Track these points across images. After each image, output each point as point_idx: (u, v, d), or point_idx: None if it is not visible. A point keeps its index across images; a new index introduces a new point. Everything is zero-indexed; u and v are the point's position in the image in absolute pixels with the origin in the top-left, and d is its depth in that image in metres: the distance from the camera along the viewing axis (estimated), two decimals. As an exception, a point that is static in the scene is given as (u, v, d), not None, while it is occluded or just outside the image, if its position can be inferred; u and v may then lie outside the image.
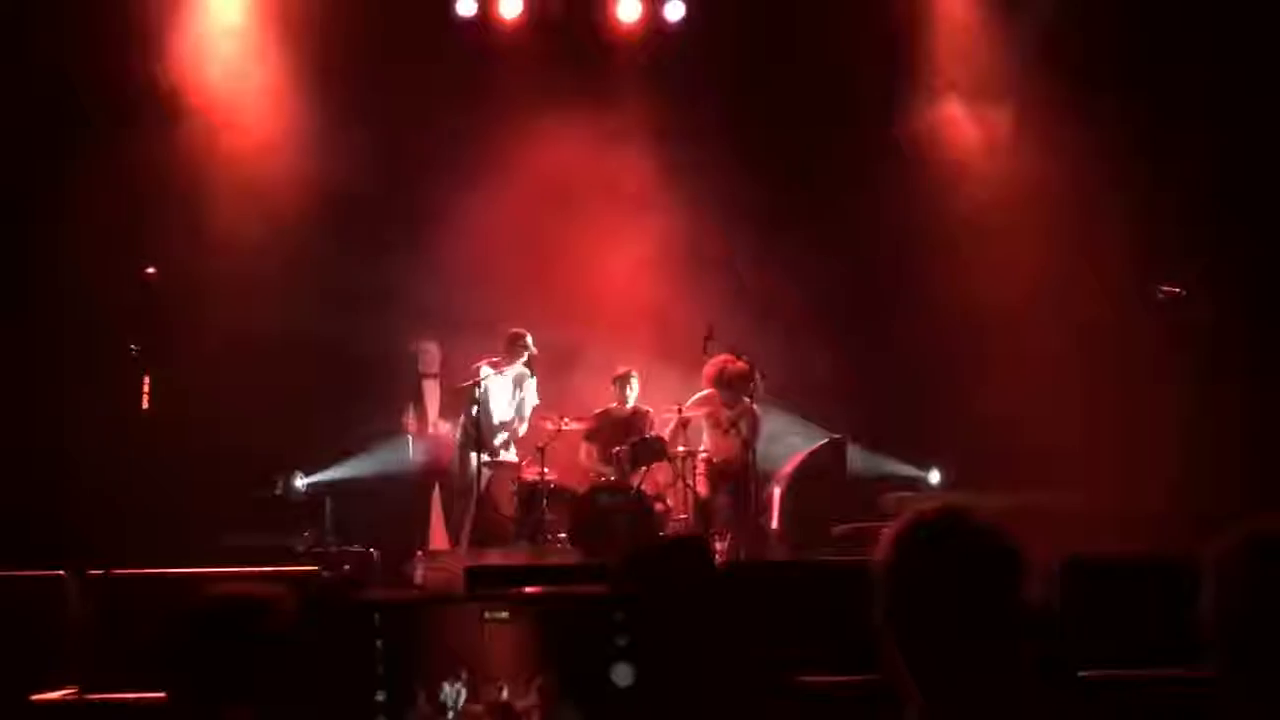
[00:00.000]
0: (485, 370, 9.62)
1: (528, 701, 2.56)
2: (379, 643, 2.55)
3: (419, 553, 9.37)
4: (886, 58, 10.55)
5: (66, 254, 8.69)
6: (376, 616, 2.60)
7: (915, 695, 2.18)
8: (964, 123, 10.51)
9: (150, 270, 6.78)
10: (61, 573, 6.08)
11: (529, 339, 9.65)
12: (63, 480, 8.16)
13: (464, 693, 2.69)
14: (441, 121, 10.49)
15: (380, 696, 2.53)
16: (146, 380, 6.65)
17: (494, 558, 8.79)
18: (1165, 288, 8.17)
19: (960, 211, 10.30)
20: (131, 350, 6.62)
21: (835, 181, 10.52)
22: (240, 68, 9.98)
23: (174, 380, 7.45)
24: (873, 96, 10.55)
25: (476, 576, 6.41)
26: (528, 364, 9.71)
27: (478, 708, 2.67)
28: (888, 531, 2.34)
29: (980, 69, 10.53)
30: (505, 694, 2.64)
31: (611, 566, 2.14)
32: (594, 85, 10.69)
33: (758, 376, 9.40)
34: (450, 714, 2.67)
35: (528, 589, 3.16)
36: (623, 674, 1.90)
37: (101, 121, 9.46)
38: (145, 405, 6.64)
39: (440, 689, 2.68)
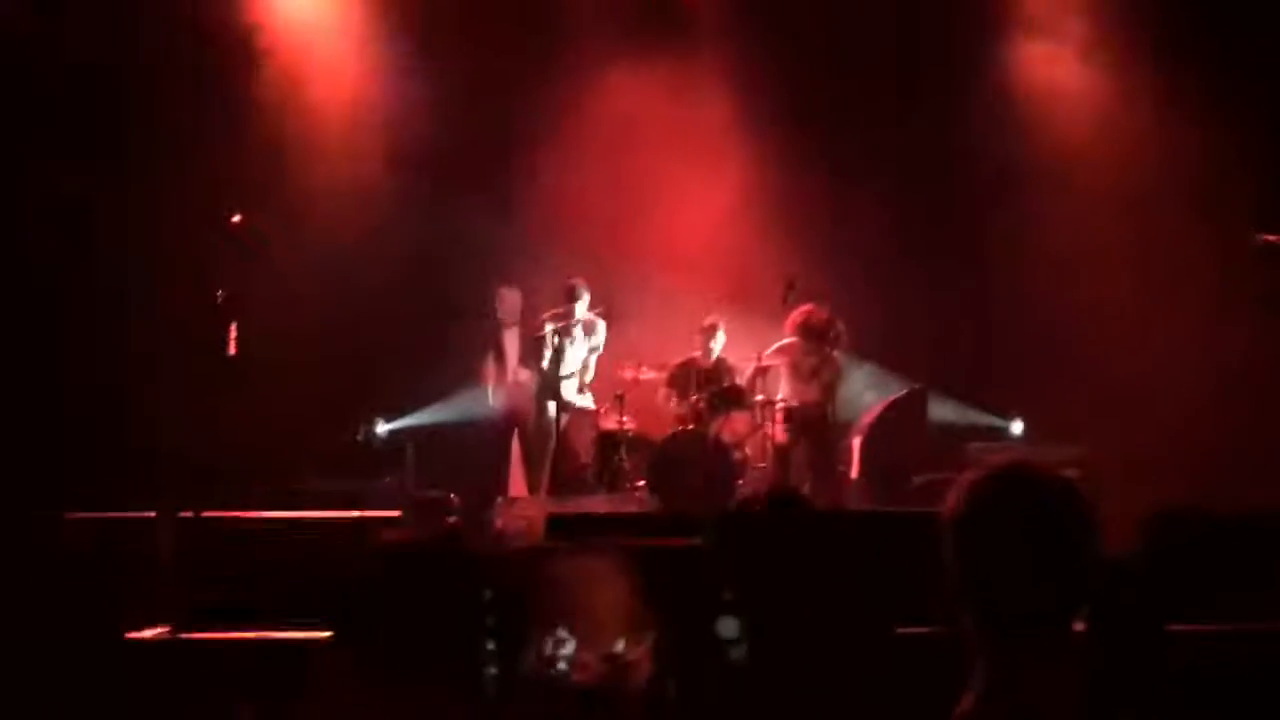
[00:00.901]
0: (559, 322, 9.64)
1: (637, 652, 2.57)
2: (487, 593, 2.55)
3: (498, 499, 9.47)
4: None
5: (154, 199, 8.83)
6: (488, 567, 2.61)
7: (984, 648, 2.16)
8: (1048, 64, 10.23)
9: (236, 217, 6.84)
10: (153, 514, 6.23)
11: (581, 287, 9.61)
12: (151, 424, 8.31)
13: (574, 642, 2.70)
14: (518, 72, 10.46)
15: (490, 646, 2.54)
16: (233, 326, 6.71)
17: (572, 505, 8.82)
18: (1267, 236, 7.92)
19: (1041, 156, 10.08)
20: (218, 296, 6.68)
21: (914, 129, 10.34)
22: (320, 17, 10.02)
23: (259, 327, 7.51)
24: (955, 40, 10.33)
25: (559, 524, 6.46)
26: (599, 311, 9.68)
27: (588, 657, 2.68)
28: (958, 484, 2.32)
29: (1066, 10, 10.25)
30: (617, 645, 2.64)
31: (710, 519, 2.13)
32: (670, 33, 10.59)
33: (839, 325, 9.33)
34: (561, 663, 2.68)
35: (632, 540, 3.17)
36: (728, 627, 1.89)
37: (185, 67, 9.57)
38: (232, 351, 6.70)
39: (550, 638, 2.69)
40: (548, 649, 2.69)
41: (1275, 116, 9.17)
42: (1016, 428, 10.09)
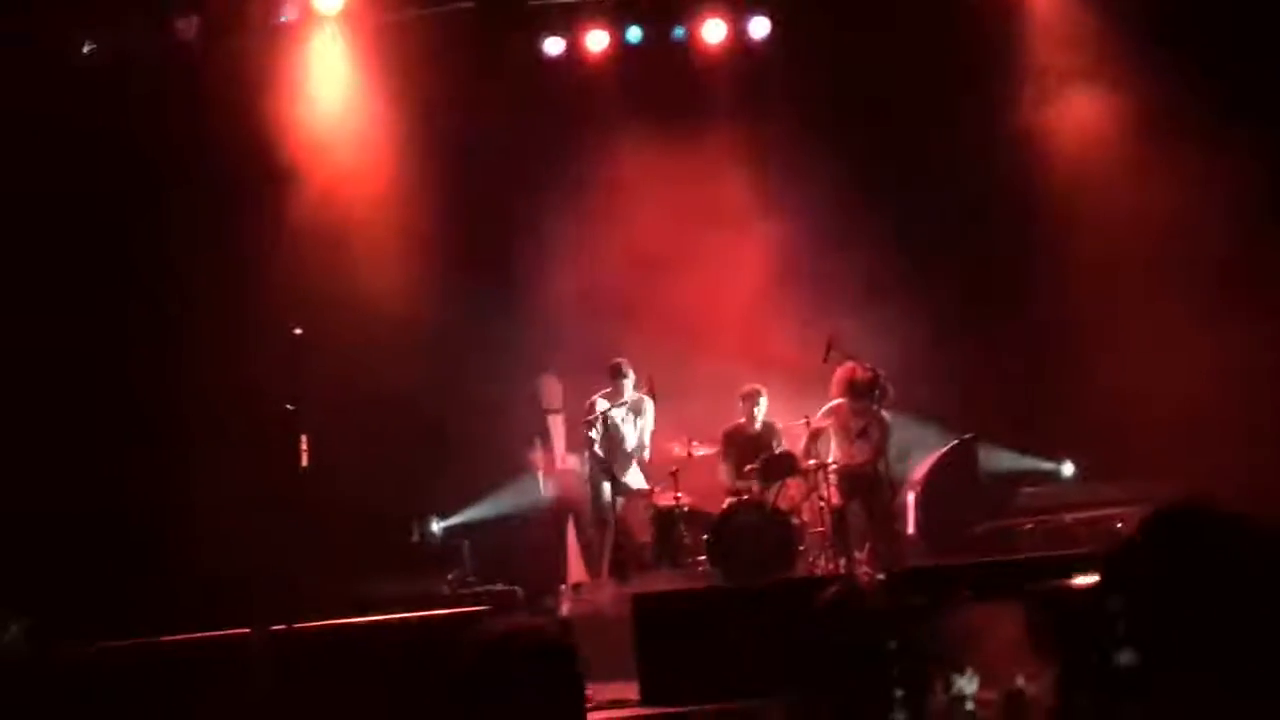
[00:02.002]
0: (600, 403, 9.71)
1: (1039, 689, 2.62)
2: (891, 643, 2.61)
3: (562, 586, 9.47)
4: (978, 54, 10.51)
5: (214, 314, 8.96)
6: (888, 617, 2.67)
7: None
8: (1067, 108, 10.39)
9: (298, 330, 6.92)
10: (248, 630, 6.25)
11: (626, 366, 9.70)
12: (224, 540, 8.35)
13: (976, 681, 2.75)
14: (540, 159, 10.65)
15: (898, 693, 2.59)
16: (304, 439, 6.76)
17: (640, 585, 8.81)
18: None
19: (1074, 200, 10.19)
20: (288, 409, 6.74)
21: (945, 181, 10.50)
22: (345, 123, 10.20)
23: (319, 436, 7.57)
24: (969, 92, 10.49)
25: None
26: (646, 389, 9.75)
27: (991, 695, 2.73)
28: (1127, 530, 2.33)
29: (1079, 50, 10.42)
30: (1018, 682, 2.70)
31: (1111, 554, 2.17)
32: (687, 108, 10.80)
33: (884, 382, 9.38)
34: (965, 702, 2.73)
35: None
36: (1128, 659, 1.92)
37: (209, 185, 9.77)
38: (305, 462, 6.75)
39: (954, 679, 2.74)
40: (952, 690, 2.74)
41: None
42: (1068, 469, 10.13)
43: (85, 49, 10.11)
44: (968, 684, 2.75)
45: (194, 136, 9.73)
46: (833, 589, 2.85)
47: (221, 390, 9.04)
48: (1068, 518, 8.78)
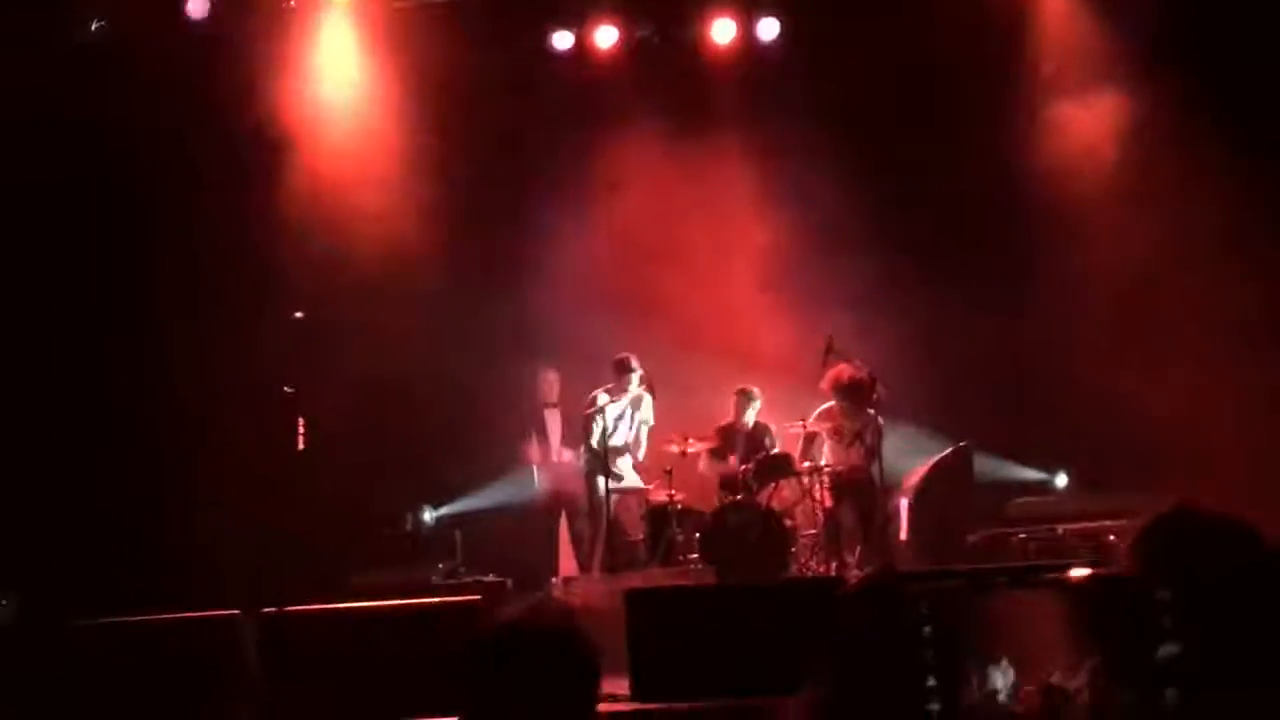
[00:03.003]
0: (602, 397, 9.71)
1: (1077, 682, 2.60)
2: (926, 629, 2.58)
3: (553, 580, 9.46)
4: (984, 61, 10.50)
5: (214, 298, 8.95)
6: (924, 603, 2.63)
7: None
8: (1068, 118, 10.38)
9: (299, 314, 6.91)
10: (237, 612, 6.24)
11: (633, 361, 9.70)
12: (219, 521, 8.35)
13: (1013, 674, 2.73)
14: (544, 152, 10.65)
15: (931, 681, 2.56)
16: (301, 422, 6.75)
17: (632, 581, 8.80)
18: None
19: (1078, 210, 10.17)
20: (286, 391, 6.73)
21: (940, 187, 10.49)
22: (351, 109, 10.19)
23: (315, 421, 7.56)
24: (973, 98, 10.48)
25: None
26: (645, 386, 9.74)
27: (1029, 688, 2.71)
28: (1128, 536, 2.33)
29: (1083, 61, 10.42)
30: (1055, 675, 2.68)
31: (1143, 544, 2.16)
32: (693, 106, 10.78)
33: (879, 386, 9.38)
34: (1002, 695, 2.71)
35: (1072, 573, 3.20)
36: (1170, 653, 1.91)
37: (217, 170, 9.74)
38: (301, 445, 6.74)
39: (990, 671, 2.72)
40: (988, 682, 2.72)
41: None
42: (1061, 480, 10.13)
43: (93, 26, 10.06)
44: (1003, 676, 2.73)
45: (199, 118, 9.72)
46: (865, 573, 2.83)
47: (223, 371, 9.03)
48: (1060, 528, 8.76)
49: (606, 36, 10.86)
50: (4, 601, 6.80)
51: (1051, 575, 4.01)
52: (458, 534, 9.79)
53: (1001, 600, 2.92)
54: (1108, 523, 8.48)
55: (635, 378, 9.67)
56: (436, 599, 6.98)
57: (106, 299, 9.34)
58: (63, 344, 9.10)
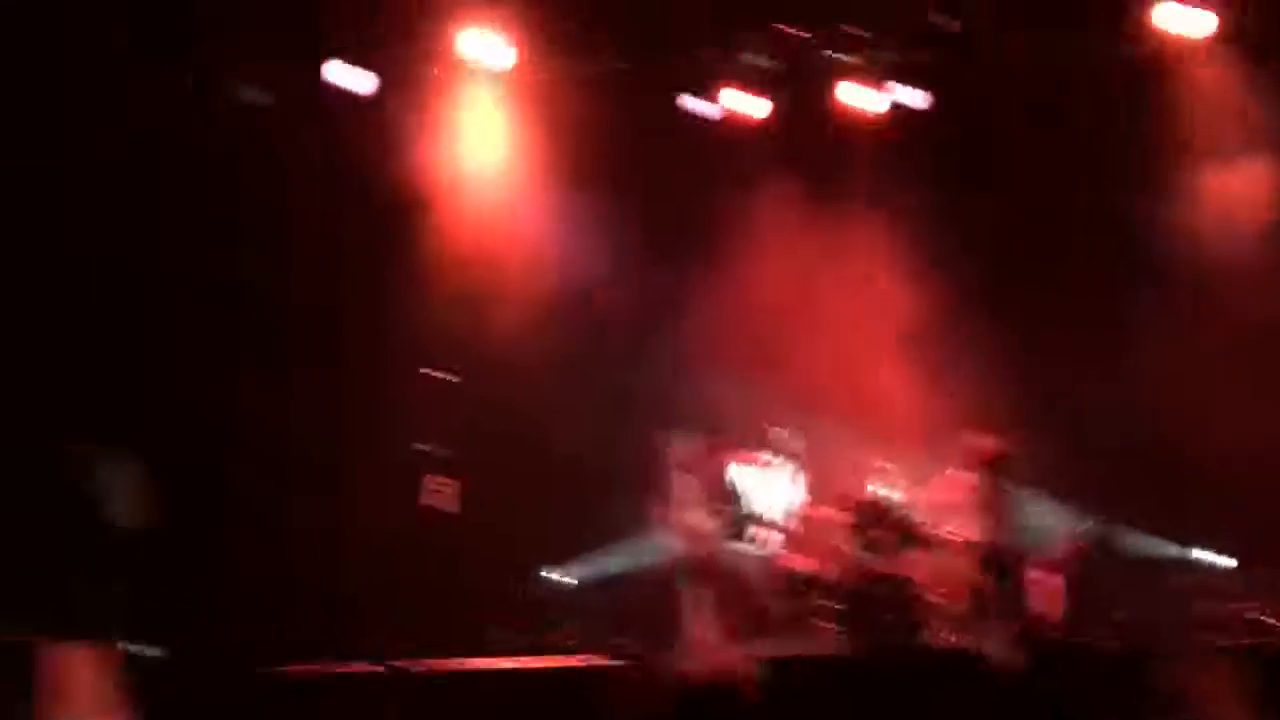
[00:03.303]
0: (743, 464, 9.66)
1: None
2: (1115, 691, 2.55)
3: (682, 644, 9.35)
4: (1124, 128, 10.32)
5: (358, 355, 9.14)
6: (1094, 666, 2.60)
7: None
8: (1225, 182, 10.11)
9: (433, 373, 6.98)
10: (382, 668, 6.28)
11: (780, 433, 9.67)
12: (359, 574, 8.47)
13: None
14: (684, 216, 10.72)
15: None
16: (441, 479, 6.81)
17: (764, 648, 8.67)
18: None
19: (1215, 273, 9.88)
20: (420, 450, 6.80)
21: (1081, 255, 10.30)
22: (495, 174, 10.37)
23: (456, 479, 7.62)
24: (1113, 166, 10.30)
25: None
26: (792, 457, 9.68)
27: None
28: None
29: (1230, 128, 10.16)
30: None
31: None
32: (830, 172, 10.78)
33: (1016, 458, 9.16)
34: None
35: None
36: None
37: (363, 232, 9.99)
38: (447, 506, 6.79)
39: None
40: None
41: None
42: (1216, 558, 9.75)
43: (248, 93, 10.38)
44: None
45: (345, 180, 9.98)
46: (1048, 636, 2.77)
47: (364, 428, 9.20)
48: (1214, 607, 8.42)
49: (746, 102, 10.90)
50: (157, 650, 6.95)
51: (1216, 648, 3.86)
52: (586, 596, 9.77)
53: (1188, 663, 2.81)
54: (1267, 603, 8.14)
55: (783, 448, 9.62)
56: (574, 661, 6.94)
57: (266, 355, 9.60)
58: (214, 393, 9.34)
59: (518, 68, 10.27)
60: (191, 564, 8.74)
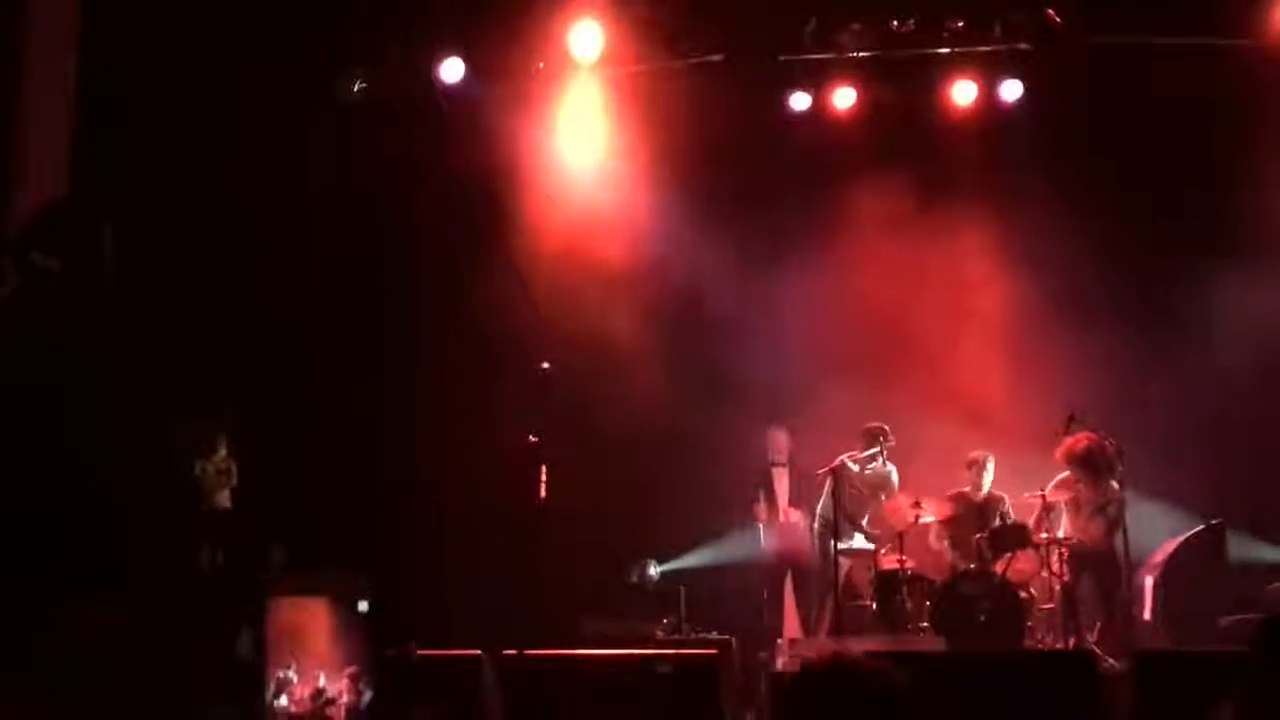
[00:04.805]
0: (847, 463, 9.66)
1: None
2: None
3: (779, 641, 9.39)
4: (1229, 123, 10.09)
5: (468, 350, 9.28)
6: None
7: None
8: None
9: (545, 364, 7.07)
10: (479, 653, 6.41)
11: (883, 432, 9.66)
12: (465, 563, 8.64)
13: None
14: (782, 212, 10.72)
15: None
16: (544, 470, 6.90)
17: (859, 646, 8.66)
18: None
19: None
20: (531, 440, 6.89)
21: (1192, 251, 10.10)
22: (596, 169, 10.44)
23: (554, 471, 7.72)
24: (1227, 160, 10.06)
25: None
26: (887, 457, 9.70)
27: None
28: None
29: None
30: None
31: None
32: (932, 168, 10.69)
33: (1123, 458, 9.02)
34: None
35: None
36: None
37: (466, 227, 10.16)
38: (543, 495, 6.88)
39: None
40: None
41: None
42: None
43: (355, 88, 10.54)
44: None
45: (450, 176, 10.13)
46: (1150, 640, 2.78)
47: (473, 421, 9.38)
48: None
49: (845, 98, 10.84)
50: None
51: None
52: (682, 589, 9.83)
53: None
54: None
55: (883, 447, 9.65)
56: (675, 651, 6.99)
57: (367, 351, 9.82)
58: (322, 392, 9.57)
59: (619, 61, 10.35)
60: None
